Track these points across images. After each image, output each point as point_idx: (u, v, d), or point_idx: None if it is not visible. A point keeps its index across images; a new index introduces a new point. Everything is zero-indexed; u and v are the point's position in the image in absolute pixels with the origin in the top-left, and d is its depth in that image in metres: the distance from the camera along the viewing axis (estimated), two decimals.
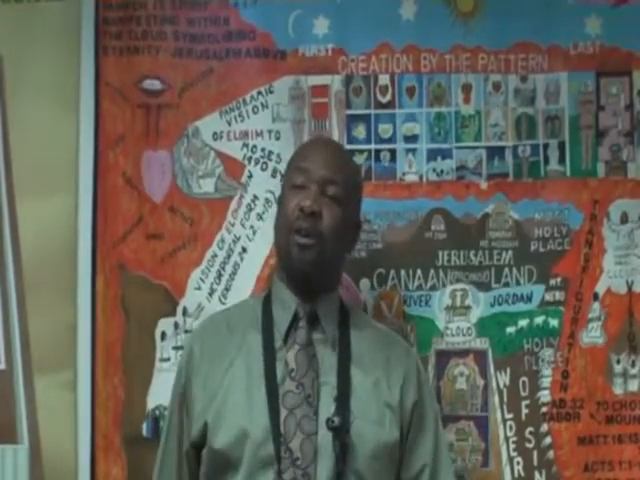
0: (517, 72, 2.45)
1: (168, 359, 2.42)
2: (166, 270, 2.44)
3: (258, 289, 2.39)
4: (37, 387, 2.39)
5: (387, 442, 1.98)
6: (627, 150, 2.45)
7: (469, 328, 2.43)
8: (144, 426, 2.41)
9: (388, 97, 2.47)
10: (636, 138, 2.45)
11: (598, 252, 2.44)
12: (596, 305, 2.43)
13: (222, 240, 2.45)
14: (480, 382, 2.42)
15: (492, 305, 2.44)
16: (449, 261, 2.44)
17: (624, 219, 2.44)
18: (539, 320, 2.43)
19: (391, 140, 2.46)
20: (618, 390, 2.42)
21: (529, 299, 2.43)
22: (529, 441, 2.41)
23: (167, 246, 2.45)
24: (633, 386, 2.42)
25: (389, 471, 2.00)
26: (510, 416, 2.41)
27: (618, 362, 2.42)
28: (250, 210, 2.45)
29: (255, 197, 2.44)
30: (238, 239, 2.45)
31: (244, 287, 2.42)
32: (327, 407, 1.93)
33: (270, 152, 2.44)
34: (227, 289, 2.43)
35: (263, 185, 2.44)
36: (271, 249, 2.35)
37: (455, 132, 2.46)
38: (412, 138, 2.46)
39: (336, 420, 1.89)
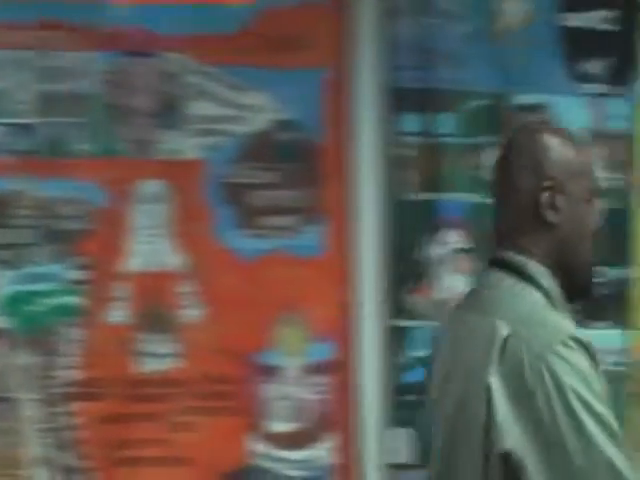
0: (43, 49, 2.43)
1: None
2: None
3: None
4: None
5: None
6: (154, 131, 2.47)
7: None
8: None
9: None
10: (163, 119, 2.47)
11: (124, 231, 2.44)
12: (122, 284, 2.44)
13: None
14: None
15: (18, 283, 2.41)
16: None
17: (151, 199, 2.46)
18: (64, 299, 2.42)
19: None
20: (143, 369, 2.44)
21: (54, 278, 2.42)
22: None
23: None
24: (158, 365, 2.45)
25: None
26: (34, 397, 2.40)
27: (144, 341, 2.44)
28: None
29: None
30: None
31: None
32: None
33: None
34: None
35: None
36: None
37: None
38: None
39: None
